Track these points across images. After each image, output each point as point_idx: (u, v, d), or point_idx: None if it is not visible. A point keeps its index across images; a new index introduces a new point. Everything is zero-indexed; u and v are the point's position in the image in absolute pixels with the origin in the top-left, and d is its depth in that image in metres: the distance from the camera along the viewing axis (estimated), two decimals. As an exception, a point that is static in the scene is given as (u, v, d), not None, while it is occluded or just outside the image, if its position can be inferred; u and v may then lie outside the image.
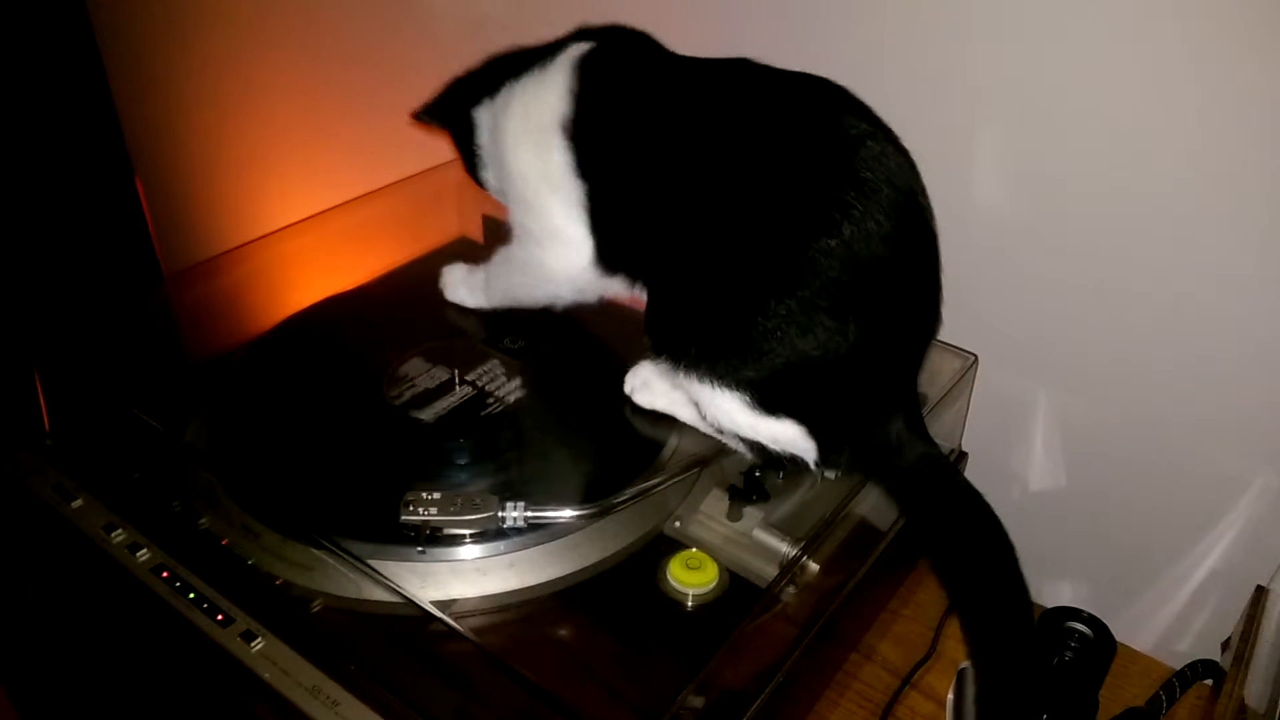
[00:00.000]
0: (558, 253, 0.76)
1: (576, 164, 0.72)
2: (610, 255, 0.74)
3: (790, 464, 0.69)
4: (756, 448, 0.69)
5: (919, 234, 0.65)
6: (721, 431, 0.71)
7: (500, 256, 0.85)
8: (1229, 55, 0.70)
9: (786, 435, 0.67)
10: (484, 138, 0.80)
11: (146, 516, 0.70)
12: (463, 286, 0.90)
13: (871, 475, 0.70)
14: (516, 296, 0.84)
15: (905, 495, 0.68)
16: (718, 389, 0.66)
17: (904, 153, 0.66)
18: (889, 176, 0.63)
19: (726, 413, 0.67)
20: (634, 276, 0.74)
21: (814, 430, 0.66)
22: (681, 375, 0.68)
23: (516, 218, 0.79)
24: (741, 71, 0.69)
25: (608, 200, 0.72)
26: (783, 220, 0.63)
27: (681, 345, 0.67)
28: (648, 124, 0.70)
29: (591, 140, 0.72)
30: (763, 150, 0.65)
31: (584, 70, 0.73)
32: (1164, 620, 0.90)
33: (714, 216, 0.66)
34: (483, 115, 0.80)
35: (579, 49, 0.75)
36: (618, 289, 0.77)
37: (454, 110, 0.82)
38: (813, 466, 0.68)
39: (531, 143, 0.74)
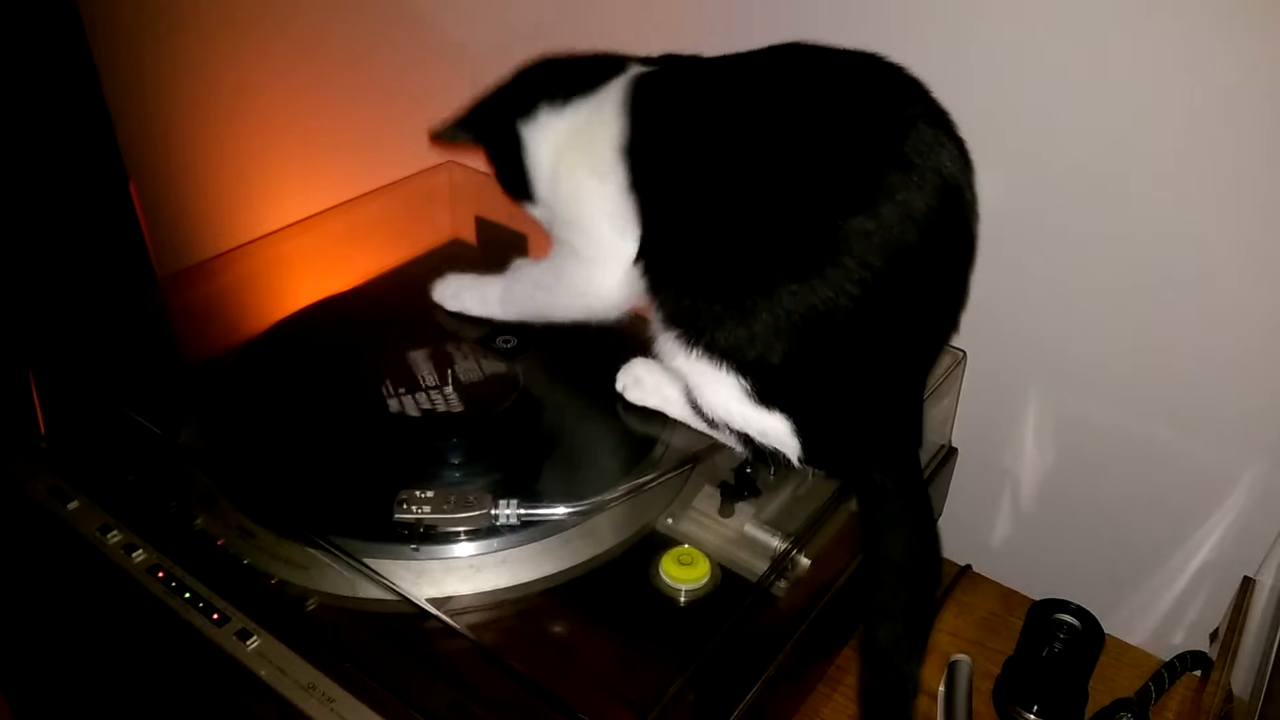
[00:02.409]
0: (602, 269, 0.75)
1: (632, 182, 0.71)
2: (652, 262, 0.72)
3: (774, 460, 0.70)
4: (745, 440, 0.70)
5: (957, 232, 0.64)
6: (712, 422, 0.71)
7: (526, 272, 0.84)
8: (1222, 51, 0.70)
9: (774, 430, 0.67)
10: (537, 154, 0.77)
11: (142, 518, 0.70)
12: (468, 294, 0.88)
13: (849, 485, 0.70)
14: (540, 312, 0.83)
15: (870, 512, 0.68)
16: (722, 371, 0.66)
17: (959, 144, 0.64)
18: (938, 166, 0.62)
19: (722, 400, 0.67)
20: (668, 277, 0.72)
21: (801, 429, 0.67)
22: (688, 352, 0.67)
23: (561, 235, 0.78)
24: (792, 56, 0.68)
25: (659, 209, 0.71)
26: (819, 197, 0.62)
27: (698, 317, 0.66)
28: (699, 126, 0.69)
29: (646, 155, 0.71)
30: (810, 132, 0.64)
31: (638, 89, 0.73)
32: (1157, 613, 0.91)
33: (753, 196, 0.65)
34: (533, 131, 0.77)
35: (635, 71, 0.74)
36: (642, 301, 0.76)
37: (495, 124, 0.79)
38: (795, 463, 0.69)
39: (588, 166, 0.73)
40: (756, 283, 0.63)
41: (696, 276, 0.68)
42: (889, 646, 0.63)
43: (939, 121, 0.64)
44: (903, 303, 0.63)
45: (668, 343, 0.69)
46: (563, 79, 0.77)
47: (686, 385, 0.71)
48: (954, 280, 0.66)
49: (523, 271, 0.85)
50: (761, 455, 0.70)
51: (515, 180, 0.80)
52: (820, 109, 0.64)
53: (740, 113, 0.67)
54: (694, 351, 0.67)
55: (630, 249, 0.73)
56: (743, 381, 0.66)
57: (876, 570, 0.65)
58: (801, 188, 0.63)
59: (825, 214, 0.62)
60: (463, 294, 0.89)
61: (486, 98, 0.81)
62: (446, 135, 0.82)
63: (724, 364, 0.66)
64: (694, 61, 0.75)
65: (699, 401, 0.70)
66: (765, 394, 0.66)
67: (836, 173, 0.62)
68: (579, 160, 0.74)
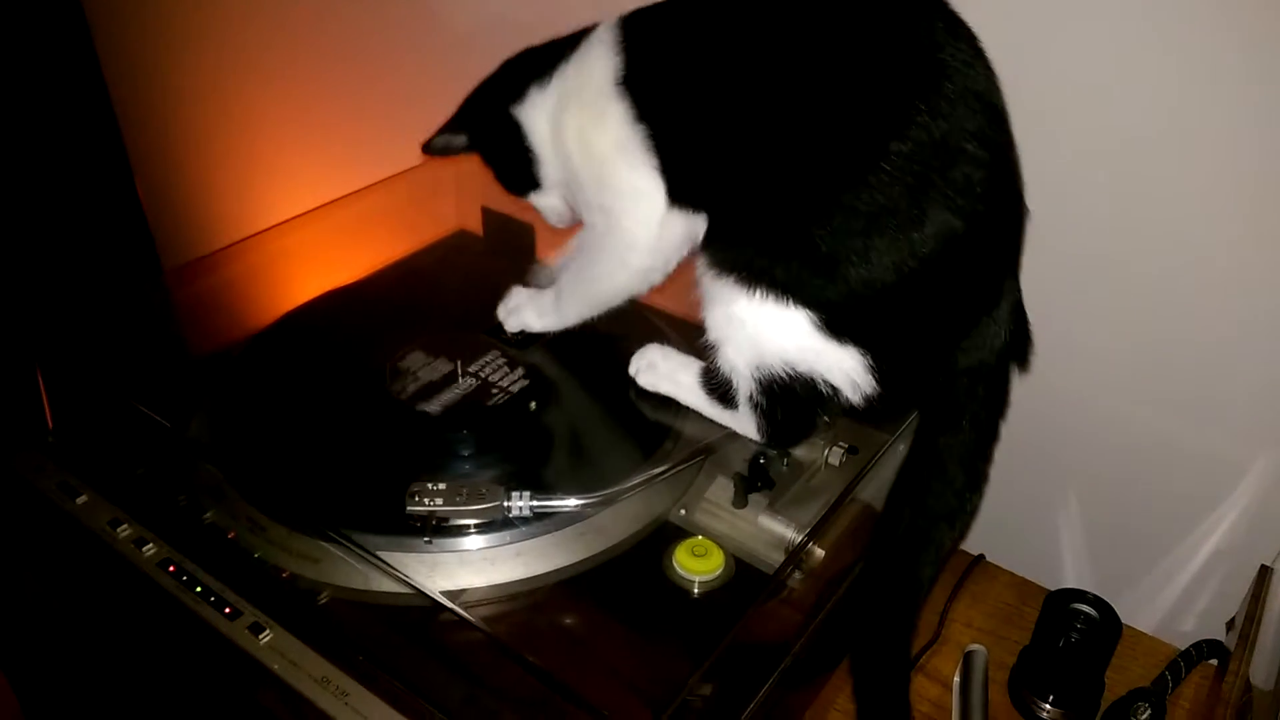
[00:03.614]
0: (634, 218, 0.72)
1: (639, 114, 0.69)
2: (685, 189, 0.70)
3: (829, 408, 0.69)
4: (785, 392, 0.68)
5: (1002, 137, 0.63)
6: (732, 401, 0.71)
7: (566, 266, 0.82)
8: (1228, 43, 0.70)
9: (846, 364, 0.66)
10: (536, 130, 0.76)
11: (152, 512, 0.70)
12: (528, 310, 0.84)
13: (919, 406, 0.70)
14: (595, 297, 0.79)
15: (931, 438, 0.67)
16: (789, 307, 0.64)
17: (989, 68, 0.63)
18: (968, 85, 0.60)
19: (792, 340, 0.65)
20: (710, 206, 0.70)
21: (877, 355, 0.65)
22: (750, 294, 0.65)
23: (589, 200, 0.75)
24: None
25: (678, 131, 0.69)
26: (860, 107, 0.61)
27: (756, 257, 0.65)
28: (705, 43, 0.67)
29: (649, 78, 0.69)
30: (837, 40, 0.63)
31: (631, 24, 0.71)
32: (1167, 600, 0.91)
33: (795, 116, 0.63)
34: (527, 111, 0.76)
35: (619, 16, 0.73)
36: (690, 244, 0.74)
37: (488, 117, 0.78)
38: (859, 401, 0.67)
39: (587, 113, 0.71)
40: (813, 207, 0.62)
41: (746, 214, 0.66)
42: (909, 566, 0.65)
43: (967, 40, 0.62)
44: (968, 210, 0.61)
45: (725, 289, 0.67)
46: (544, 58, 0.76)
47: (743, 339, 0.68)
48: (1010, 185, 0.64)
49: (564, 267, 0.83)
50: (810, 407, 0.69)
51: (519, 171, 0.79)
52: (843, 18, 0.63)
53: (758, 29, 0.65)
54: (757, 292, 0.65)
55: (654, 185, 0.70)
56: (813, 315, 0.64)
57: (910, 492, 0.66)
58: (839, 98, 0.62)
59: (872, 125, 0.60)
60: (521, 311, 0.84)
61: (474, 94, 0.80)
62: (438, 146, 0.80)
63: (790, 300, 0.64)
64: None
65: (761, 351, 0.68)
66: (837, 324, 0.64)
67: (871, 80, 0.61)
68: (576, 113, 0.72)
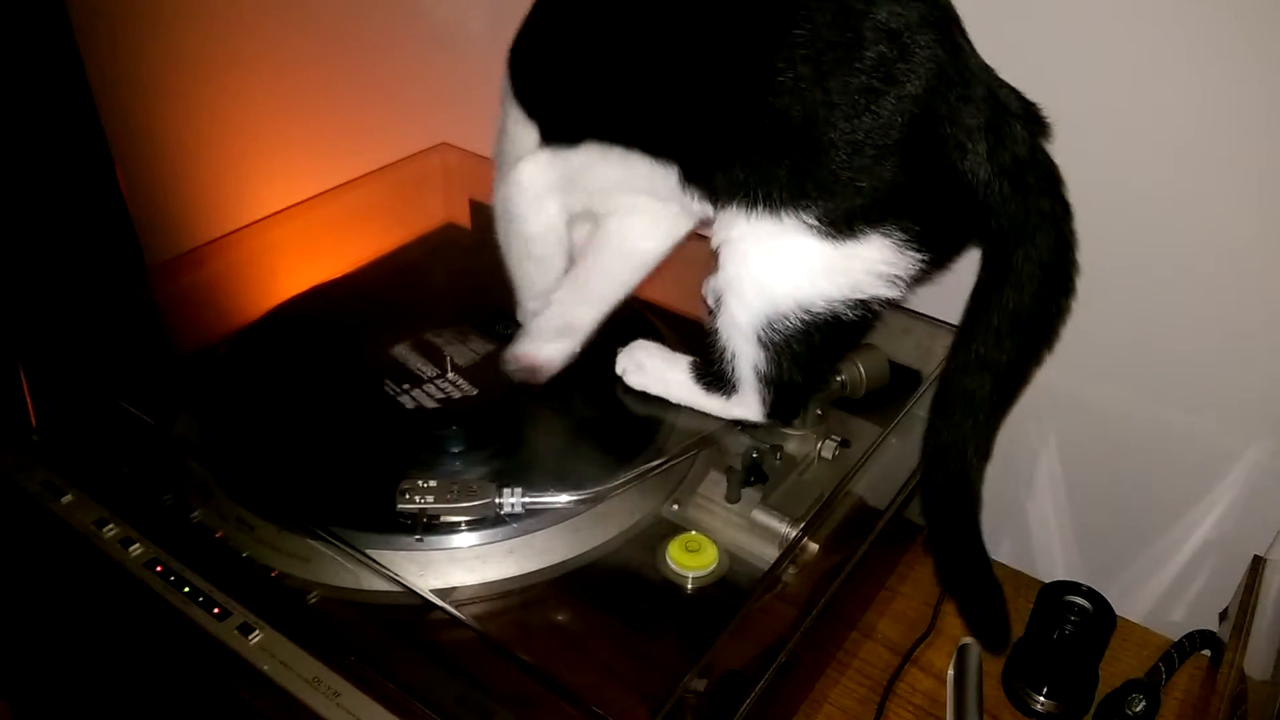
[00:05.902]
0: (516, 152, 0.74)
1: (510, 71, 0.73)
2: (559, 123, 0.71)
3: (870, 314, 0.66)
4: (799, 347, 0.66)
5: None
6: (730, 386, 0.70)
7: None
8: (1225, 41, 0.70)
9: (879, 253, 0.62)
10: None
11: (138, 511, 0.69)
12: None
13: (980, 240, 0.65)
14: (518, 280, 0.81)
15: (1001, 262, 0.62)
16: (793, 222, 0.62)
17: None
18: None
19: (803, 265, 0.63)
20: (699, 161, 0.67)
21: (911, 224, 0.62)
22: (747, 219, 0.63)
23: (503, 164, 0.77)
24: None
25: (555, 69, 0.71)
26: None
27: (736, 170, 0.63)
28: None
29: (548, 60, 0.72)
30: None
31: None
32: (1157, 590, 0.91)
33: (729, 30, 0.62)
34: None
35: None
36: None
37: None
38: (901, 294, 0.64)
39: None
40: (755, 82, 0.60)
41: (702, 134, 0.65)
42: (977, 397, 0.63)
43: None
44: (903, 12, 0.59)
45: (729, 236, 0.65)
46: None
47: (752, 292, 0.65)
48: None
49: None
50: (819, 361, 0.68)
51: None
52: None
53: None
54: (753, 215, 0.63)
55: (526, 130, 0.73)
56: (819, 218, 0.61)
57: (988, 316, 0.62)
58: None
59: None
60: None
61: None
62: None
63: (790, 208, 0.62)
64: None
65: (772, 301, 0.65)
66: (848, 215, 0.61)
67: None
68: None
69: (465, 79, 1.15)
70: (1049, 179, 0.63)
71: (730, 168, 0.63)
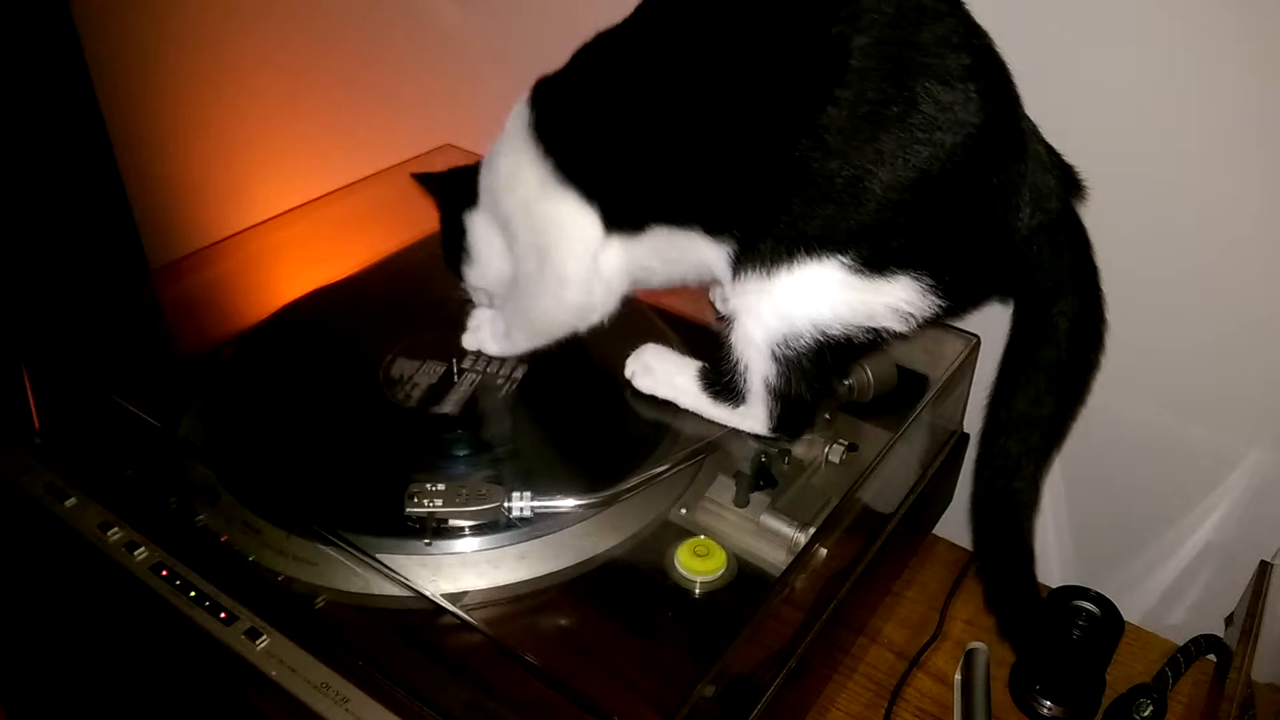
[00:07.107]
0: (566, 247, 0.71)
1: (544, 147, 0.70)
2: (624, 207, 0.70)
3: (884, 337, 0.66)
4: (810, 365, 0.66)
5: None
6: (740, 396, 0.70)
7: (508, 299, 0.80)
8: (1231, 47, 0.70)
9: (902, 294, 0.63)
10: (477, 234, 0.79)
11: (143, 514, 0.68)
12: (485, 331, 0.82)
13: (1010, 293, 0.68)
14: (535, 331, 0.78)
15: (1032, 312, 0.66)
16: (815, 260, 0.62)
17: None
18: None
19: (827, 294, 0.63)
20: (662, 215, 0.69)
21: (937, 273, 0.62)
22: (790, 268, 0.63)
23: (525, 246, 0.74)
24: None
25: (597, 151, 0.69)
26: (793, 45, 0.60)
27: (756, 223, 0.63)
28: (604, 69, 0.68)
29: (560, 116, 0.70)
30: (742, 25, 0.62)
31: (537, 85, 0.73)
32: (1158, 593, 0.91)
33: (746, 92, 0.62)
34: (471, 216, 0.79)
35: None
36: (630, 281, 0.74)
37: (448, 211, 0.82)
38: (910, 330, 0.65)
39: (511, 161, 0.73)
40: (802, 144, 0.60)
41: (743, 198, 0.65)
42: (1018, 455, 0.65)
43: None
44: (955, 66, 0.59)
45: (760, 283, 0.65)
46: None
47: (770, 314, 0.65)
48: (979, 32, 0.62)
49: (505, 304, 0.81)
50: (828, 380, 0.68)
51: (454, 255, 0.81)
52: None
53: (649, 40, 0.66)
54: (792, 262, 0.63)
55: (581, 213, 0.70)
56: (851, 256, 0.61)
57: (1026, 374, 0.65)
58: (770, 64, 0.61)
59: (814, 42, 0.60)
60: (479, 332, 0.83)
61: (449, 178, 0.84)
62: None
63: (826, 250, 0.62)
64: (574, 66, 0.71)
65: (790, 322, 0.65)
66: (880, 255, 0.62)
67: (783, 22, 0.60)
68: (504, 172, 0.74)
69: (469, 81, 1.15)
70: (1081, 239, 0.66)
71: (779, 238, 0.63)
